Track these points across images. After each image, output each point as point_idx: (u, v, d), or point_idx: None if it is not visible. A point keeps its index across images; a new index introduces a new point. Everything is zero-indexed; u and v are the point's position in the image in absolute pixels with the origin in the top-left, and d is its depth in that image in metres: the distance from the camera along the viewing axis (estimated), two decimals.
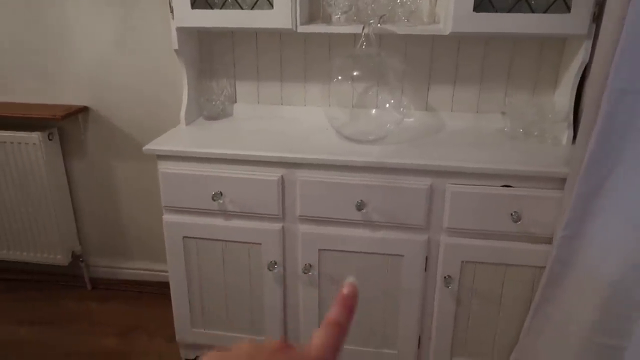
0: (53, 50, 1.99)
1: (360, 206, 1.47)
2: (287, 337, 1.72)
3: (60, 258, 2.16)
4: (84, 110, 2.05)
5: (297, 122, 1.82)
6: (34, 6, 1.94)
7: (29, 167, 2.02)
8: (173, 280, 1.71)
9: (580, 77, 1.54)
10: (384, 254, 1.54)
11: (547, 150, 1.55)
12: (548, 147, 1.58)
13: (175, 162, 1.56)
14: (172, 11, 1.60)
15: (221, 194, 1.54)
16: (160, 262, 2.14)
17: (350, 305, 0.38)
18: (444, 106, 1.79)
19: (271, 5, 1.56)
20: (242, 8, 1.63)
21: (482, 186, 1.43)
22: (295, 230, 1.57)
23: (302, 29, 1.58)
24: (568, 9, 1.43)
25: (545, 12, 1.47)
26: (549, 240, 1.41)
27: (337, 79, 1.67)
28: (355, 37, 1.66)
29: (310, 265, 1.58)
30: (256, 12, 1.59)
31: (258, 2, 1.62)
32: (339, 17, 1.64)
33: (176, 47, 1.67)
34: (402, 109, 1.70)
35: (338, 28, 1.61)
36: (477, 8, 1.45)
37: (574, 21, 1.42)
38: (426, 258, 1.53)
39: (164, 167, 1.57)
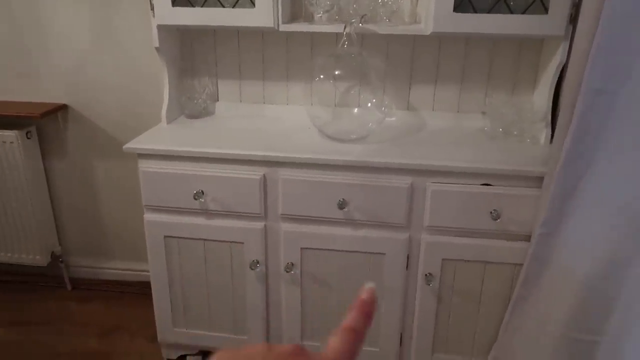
0: (31, 47, 1.96)
1: (342, 205, 1.48)
2: (269, 336, 1.73)
3: (39, 259, 2.13)
4: (63, 108, 2.03)
5: (279, 120, 1.82)
6: (10, 3, 1.90)
7: (6, 166, 1.98)
8: (154, 280, 1.70)
9: (558, 78, 1.57)
10: (365, 253, 1.55)
11: (526, 149, 1.58)
12: (527, 146, 1.60)
13: (156, 161, 1.55)
14: (152, 9, 1.59)
15: (203, 193, 1.54)
16: (142, 261, 2.13)
17: (368, 311, 0.37)
18: (425, 106, 1.81)
19: (253, 4, 1.55)
20: (223, 6, 1.62)
21: (462, 185, 1.44)
22: (278, 229, 1.57)
23: (284, 27, 1.58)
24: (546, 10, 1.45)
25: (523, 13, 1.50)
26: (527, 238, 1.43)
27: (319, 78, 1.68)
28: (337, 36, 1.67)
29: (293, 264, 1.58)
30: (238, 11, 1.59)
31: (240, 1, 1.62)
32: (321, 16, 1.64)
33: (157, 45, 1.65)
34: (383, 108, 1.72)
35: (320, 27, 1.61)
36: (457, 8, 1.47)
37: (552, 22, 1.45)
38: (407, 256, 1.54)
39: (145, 165, 1.56)
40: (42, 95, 2.03)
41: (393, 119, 1.81)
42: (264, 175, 1.51)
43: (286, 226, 1.56)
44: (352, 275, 1.58)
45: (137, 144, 1.57)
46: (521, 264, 1.44)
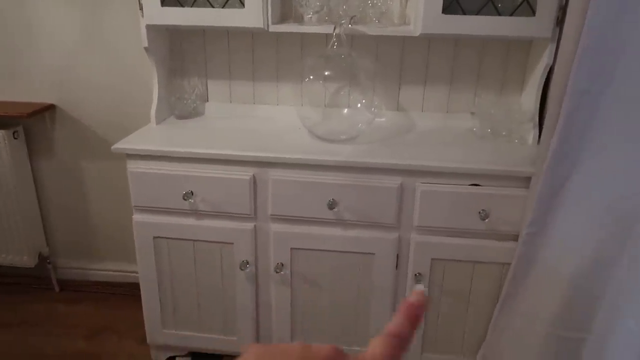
0: (19, 47, 1.94)
1: (332, 205, 1.48)
2: (259, 337, 1.72)
3: (26, 260, 2.10)
4: (51, 108, 2.01)
5: (269, 121, 1.82)
6: None
7: None
8: (143, 281, 1.69)
9: (546, 79, 1.58)
10: (355, 253, 1.55)
11: (514, 149, 1.59)
12: (515, 146, 1.62)
13: (145, 161, 1.54)
14: (141, 9, 1.58)
15: (192, 194, 1.53)
16: (131, 262, 2.12)
17: (415, 315, 0.34)
18: (415, 106, 1.82)
19: (242, 4, 1.55)
20: (213, 7, 1.62)
21: (451, 185, 1.45)
22: (267, 229, 1.57)
23: (273, 28, 1.58)
24: (533, 12, 1.47)
25: (511, 15, 1.51)
26: (515, 238, 1.45)
27: (309, 78, 1.68)
28: (327, 37, 1.67)
29: (283, 265, 1.58)
30: (227, 11, 1.59)
31: (229, 1, 1.62)
32: (311, 17, 1.64)
33: (146, 45, 1.65)
34: (373, 108, 1.72)
35: (310, 28, 1.61)
36: (446, 10, 1.48)
37: (539, 24, 1.46)
38: (397, 256, 1.55)
39: (134, 166, 1.55)
40: (30, 95, 2.01)
41: (383, 119, 1.82)
42: (254, 175, 1.51)
43: (276, 226, 1.56)
44: (342, 276, 1.59)
45: (126, 144, 1.56)
46: (509, 264, 1.45)
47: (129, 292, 2.16)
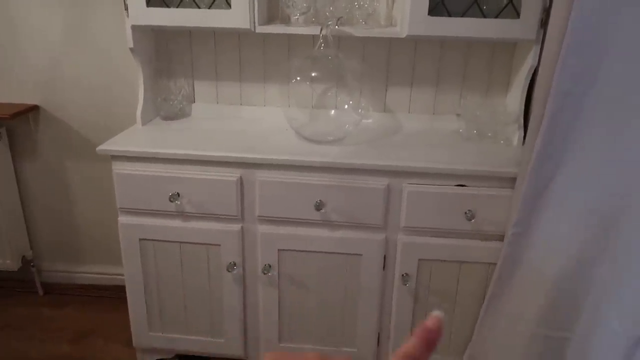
0: (2, 47, 1.92)
1: (319, 206, 1.48)
2: (246, 339, 1.72)
3: (9, 263, 2.07)
4: (35, 109, 1.98)
5: (256, 122, 1.82)
6: None
7: None
8: (129, 284, 1.67)
9: (531, 80, 1.60)
10: (342, 254, 1.56)
11: (499, 151, 1.61)
12: (500, 147, 1.63)
13: (131, 163, 1.53)
14: (126, 9, 1.57)
15: (178, 195, 1.52)
16: (116, 265, 2.09)
17: (431, 339, 0.34)
18: (402, 107, 1.83)
19: (229, 5, 1.55)
20: (199, 7, 1.61)
21: (437, 186, 1.46)
22: (255, 230, 1.57)
23: (260, 29, 1.58)
24: (518, 15, 1.48)
25: (496, 17, 1.53)
26: (501, 238, 1.46)
27: (296, 79, 1.68)
28: (313, 38, 1.67)
29: (270, 266, 1.58)
30: (213, 12, 1.58)
31: (215, 2, 1.61)
32: (298, 18, 1.64)
33: (131, 45, 1.63)
34: (360, 110, 1.73)
35: (296, 29, 1.61)
36: (432, 12, 1.49)
37: (523, 27, 1.48)
38: (384, 257, 1.55)
39: (119, 167, 1.54)
40: (13, 95, 1.98)
41: (370, 120, 1.82)
42: (241, 177, 1.50)
43: (263, 228, 1.56)
44: (330, 277, 1.59)
45: (111, 145, 1.55)
46: (495, 263, 1.47)
47: (115, 295, 2.13)
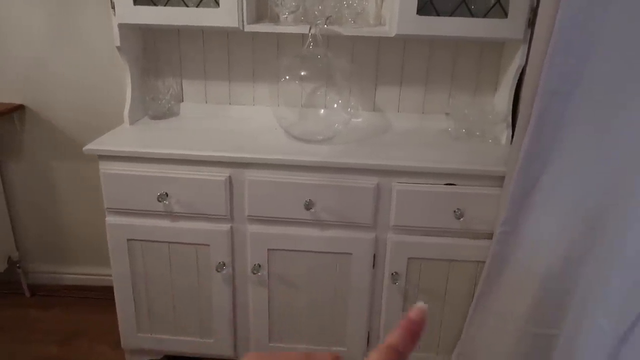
0: None
1: (308, 205, 1.48)
2: (236, 339, 1.71)
3: None
4: (20, 108, 1.96)
5: (245, 121, 1.81)
6: None
7: None
8: (117, 284, 1.66)
9: (519, 80, 1.61)
10: (332, 253, 1.55)
11: (488, 149, 1.62)
12: (489, 146, 1.64)
13: (119, 163, 1.51)
14: (113, 7, 1.55)
15: (167, 195, 1.51)
16: (104, 265, 2.07)
17: (415, 331, 0.34)
18: (391, 107, 1.83)
19: (217, 3, 1.54)
20: (187, 6, 1.60)
21: (426, 185, 1.47)
22: (244, 230, 1.56)
23: (249, 28, 1.57)
24: (505, 14, 1.49)
25: (484, 17, 1.53)
26: (489, 236, 1.47)
27: (285, 78, 1.67)
28: (303, 37, 1.67)
29: (260, 266, 1.57)
30: (201, 10, 1.57)
31: (203, 0, 1.60)
32: (287, 17, 1.64)
33: (118, 44, 1.61)
34: (349, 109, 1.73)
35: (285, 28, 1.61)
36: (421, 11, 1.49)
37: (511, 26, 1.49)
38: (374, 256, 1.55)
39: (106, 167, 1.52)
40: None
41: (359, 120, 1.82)
42: (230, 176, 1.50)
43: (253, 227, 1.55)
44: (319, 276, 1.58)
45: (98, 145, 1.53)
46: (484, 262, 1.48)
47: (102, 295, 2.12)
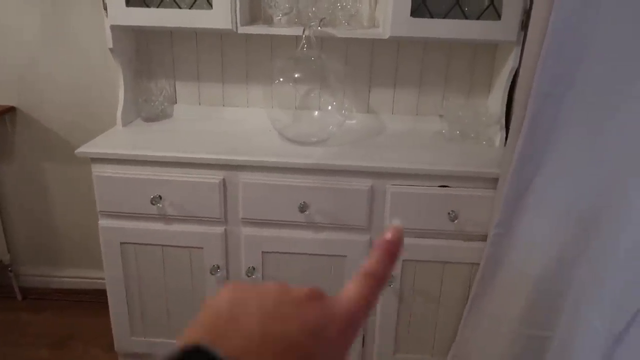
0: None
1: (303, 208, 1.47)
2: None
3: None
4: (12, 110, 1.94)
5: (239, 123, 1.80)
6: None
7: None
8: (110, 288, 1.64)
9: (512, 82, 1.61)
10: (327, 255, 1.55)
11: (482, 151, 1.62)
12: (483, 148, 1.65)
13: (111, 165, 1.50)
14: (105, 9, 1.54)
15: (160, 198, 1.50)
16: (97, 268, 2.06)
17: (392, 251, 0.32)
18: (385, 109, 1.83)
19: (210, 5, 1.53)
20: (180, 7, 1.59)
21: (420, 187, 1.47)
22: (238, 233, 1.55)
23: (242, 29, 1.57)
24: (499, 16, 1.50)
25: (477, 18, 1.54)
26: (484, 238, 1.47)
27: (279, 80, 1.67)
28: (296, 39, 1.66)
29: (254, 268, 1.57)
30: (195, 12, 1.56)
31: (197, 2, 1.59)
32: (280, 19, 1.63)
33: (110, 46, 1.60)
34: (343, 111, 1.72)
35: (279, 30, 1.60)
36: (414, 13, 1.49)
37: (504, 28, 1.49)
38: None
39: (99, 170, 1.51)
40: None
41: (353, 121, 1.82)
42: (224, 178, 1.49)
43: (247, 230, 1.55)
44: (314, 279, 1.58)
45: (91, 147, 1.52)
46: (478, 264, 1.48)
47: (95, 299, 2.10)
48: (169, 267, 1.60)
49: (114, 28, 1.58)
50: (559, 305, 1.21)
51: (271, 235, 1.54)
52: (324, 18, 1.59)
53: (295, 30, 1.58)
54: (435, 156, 1.54)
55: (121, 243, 1.58)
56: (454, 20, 1.52)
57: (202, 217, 1.53)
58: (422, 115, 1.82)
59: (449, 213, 1.47)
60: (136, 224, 1.55)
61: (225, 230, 1.55)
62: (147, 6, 1.60)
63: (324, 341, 0.28)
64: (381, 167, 1.46)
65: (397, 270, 1.55)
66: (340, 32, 1.59)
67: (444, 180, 1.46)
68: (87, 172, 1.55)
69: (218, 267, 1.57)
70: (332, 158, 1.48)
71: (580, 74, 1.12)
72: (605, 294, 1.02)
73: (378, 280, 0.32)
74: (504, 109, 1.65)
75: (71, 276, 2.21)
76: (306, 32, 1.54)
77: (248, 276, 1.56)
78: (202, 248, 1.57)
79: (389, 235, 0.33)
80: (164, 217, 1.54)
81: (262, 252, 1.55)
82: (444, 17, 1.54)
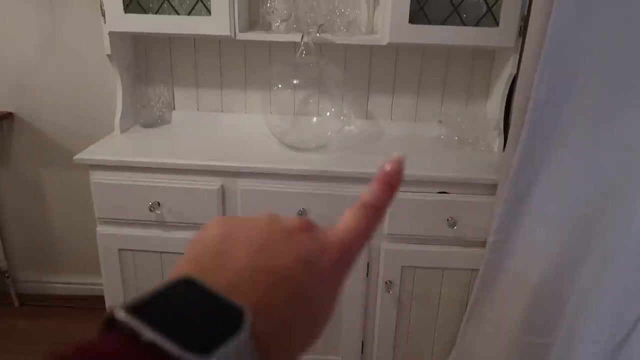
0: None
1: (302, 214, 1.47)
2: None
3: None
4: (9, 116, 1.93)
5: (237, 129, 1.80)
6: None
7: None
8: (108, 294, 1.64)
9: (510, 88, 1.62)
10: None
11: (480, 157, 1.62)
12: (481, 154, 1.65)
13: (110, 172, 1.50)
14: (103, 15, 1.54)
15: (159, 205, 1.50)
16: (94, 275, 2.04)
17: (392, 183, 0.32)
18: (384, 114, 1.83)
19: (209, 11, 1.53)
20: (178, 14, 1.59)
21: (419, 193, 1.46)
22: None
23: (241, 36, 1.57)
24: (497, 23, 1.50)
25: (475, 25, 1.54)
26: (483, 244, 1.47)
27: (278, 86, 1.67)
28: (295, 45, 1.66)
29: None
30: (193, 18, 1.56)
31: (195, 8, 1.59)
32: (279, 25, 1.63)
33: (108, 52, 1.60)
34: (342, 117, 1.73)
35: (277, 36, 1.60)
36: (413, 19, 1.49)
37: (502, 35, 1.50)
38: (367, 264, 1.55)
39: (97, 177, 1.51)
40: None
41: (352, 127, 1.82)
42: (222, 185, 1.49)
43: None
44: None
45: (89, 154, 1.51)
46: (477, 270, 1.47)
47: (93, 305, 2.09)
48: (167, 274, 1.59)
49: (112, 34, 1.58)
50: (558, 312, 1.21)
51: None
52: (322, 24, 1.59)
53: (294, 37, 1.58)
54: (433, 162, 1.54)
55: (119, 250, 1.57)
56: (452, 26, 1.52)
57: (201, 224, 1.51)
58: (421, 121, 1.82)
59: (447, 219, 1.47)
60: (134, 230, 1.55)
61: None
62: (146, 12, 1.60)
63: (316, 271, 0.28)
64: None
65: (396, 276, 1.54)
66: (339, 39, 1.59)
67: (443, 186, 1.46)
68: (84, 179, 1.55)
69: None
70: (330, 164, 1.48)
71: (578, 81, 1.12)
72: (605, 302, 1.01)
73: (376, 211, 0.31)
74: (503, 114, 1.65)
75: (69, 282, 2.20)
76: (305, 39, 1.54)
77: None
78: None
79: (388, 167, 0.32)
80: (163, 224, 1.53)
81: None
82: (442, 24, 1.54)
